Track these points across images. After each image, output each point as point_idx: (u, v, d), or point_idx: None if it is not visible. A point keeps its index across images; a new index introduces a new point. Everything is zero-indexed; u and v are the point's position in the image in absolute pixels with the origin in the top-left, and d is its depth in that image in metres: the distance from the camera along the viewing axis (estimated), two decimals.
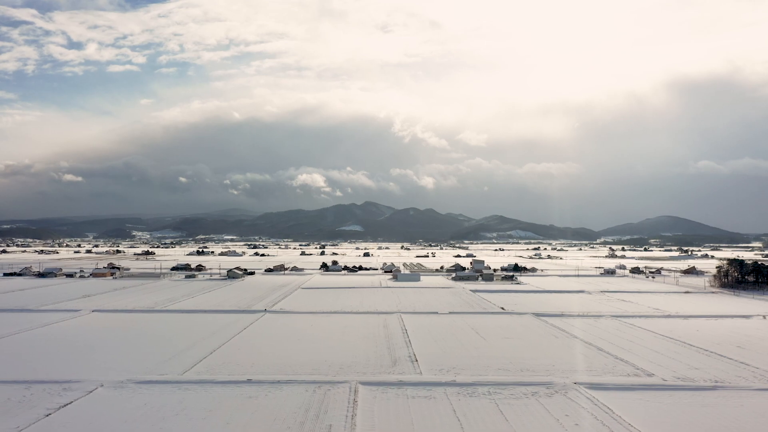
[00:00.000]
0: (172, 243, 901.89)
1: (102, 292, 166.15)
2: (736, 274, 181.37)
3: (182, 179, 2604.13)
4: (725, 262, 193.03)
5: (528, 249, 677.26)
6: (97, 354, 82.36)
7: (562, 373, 70.67)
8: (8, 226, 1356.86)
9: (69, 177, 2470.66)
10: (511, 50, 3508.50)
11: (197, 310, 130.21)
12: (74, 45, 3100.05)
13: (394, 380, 67.11)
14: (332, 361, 78.06)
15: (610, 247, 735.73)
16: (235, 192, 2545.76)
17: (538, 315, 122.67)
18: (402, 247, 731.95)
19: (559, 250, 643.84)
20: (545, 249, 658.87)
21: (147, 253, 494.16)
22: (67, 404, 56.57)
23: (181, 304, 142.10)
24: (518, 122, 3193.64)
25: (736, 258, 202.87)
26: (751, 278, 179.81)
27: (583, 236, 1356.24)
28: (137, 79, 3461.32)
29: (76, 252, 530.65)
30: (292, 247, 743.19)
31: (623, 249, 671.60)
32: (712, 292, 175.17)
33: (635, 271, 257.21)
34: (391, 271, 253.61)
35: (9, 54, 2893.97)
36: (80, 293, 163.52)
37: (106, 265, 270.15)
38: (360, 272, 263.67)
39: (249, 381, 66.22)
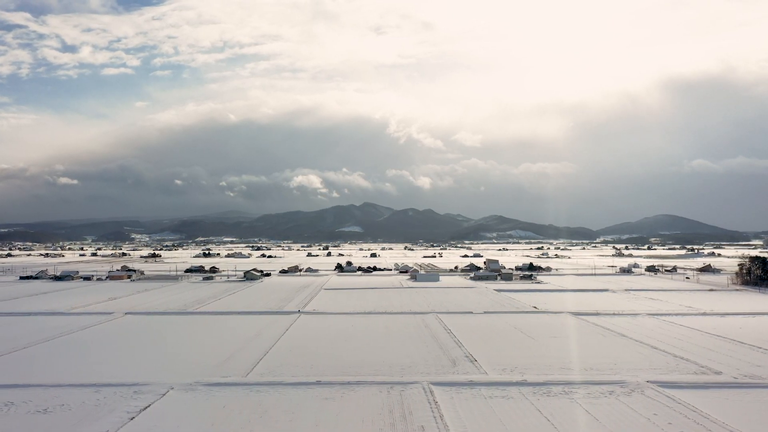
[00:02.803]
0: (173, 245, 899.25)
1: (126, 295, 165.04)
2: (759, 272, 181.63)
3: (178, 182, 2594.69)
4: (747, 259, 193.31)
5: (531, 249, 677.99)
6: (150, 356, 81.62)
7: (628, 372, 70.30)
8: (6, 230, 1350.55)
9: (64, 180, 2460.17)
10: (506, 51, 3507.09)
11: (230, 312, 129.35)
12: (68, 48, 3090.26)
13: (464, 380, 66.61)
14: (391, 361, 77.52)
15: (614, 246, 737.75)
16: (231, 194, 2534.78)
17: (574, 314, 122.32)
18: (405, 248, 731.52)
19: (562, 249, 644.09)
20: (549, 248, 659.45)
21: (153, 255, 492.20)
22: (146, 407, 55.80)
23: (211, 305, 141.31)
24: (513, 123, 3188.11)
25: (758, 256, 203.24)
26: None
27: (583, 235, 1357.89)
28: (132, 82, 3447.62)
29: (81, 255, 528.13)
30: (296, 248, 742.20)
31: (626, 248, 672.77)
32: (737, 290, 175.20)
33: (651, 269, 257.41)
34: (407, 272, 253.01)
35: (3, 57, 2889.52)
36: (104, 296, 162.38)
37: (120, 268, 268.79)
38: (375, 273, 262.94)
39: (318, 382, 65.61)
